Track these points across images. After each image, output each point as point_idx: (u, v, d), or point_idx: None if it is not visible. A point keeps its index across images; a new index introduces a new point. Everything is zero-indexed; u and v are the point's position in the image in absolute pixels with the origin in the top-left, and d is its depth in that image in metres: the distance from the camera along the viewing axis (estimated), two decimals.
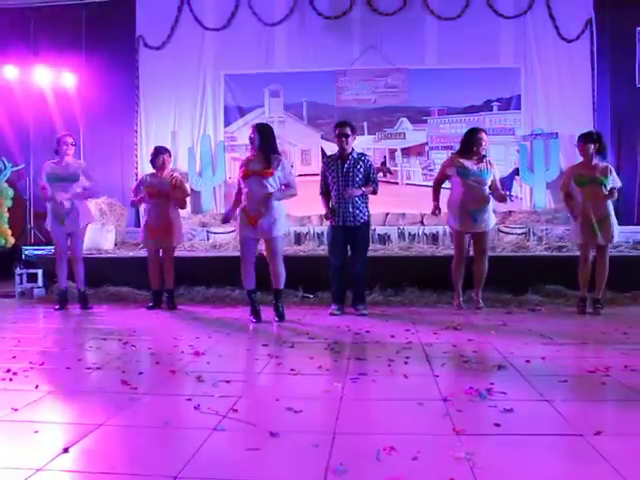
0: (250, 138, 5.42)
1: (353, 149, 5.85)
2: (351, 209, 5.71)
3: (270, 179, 5.31)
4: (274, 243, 5.42)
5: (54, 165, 6.21)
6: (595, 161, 5.71)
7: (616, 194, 5.68)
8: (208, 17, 9.80)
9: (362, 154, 6.01)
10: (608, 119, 9.25)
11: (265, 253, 5.53)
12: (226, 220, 5.70)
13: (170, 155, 6.39)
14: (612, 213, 5.71)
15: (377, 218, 8.85)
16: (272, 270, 5.48)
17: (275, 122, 9.82)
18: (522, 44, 9.49)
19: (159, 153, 6.25)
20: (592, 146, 5.67)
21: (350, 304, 5.93)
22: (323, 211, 5.97)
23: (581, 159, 5.83)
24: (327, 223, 6.04)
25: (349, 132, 5.75)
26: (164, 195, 6.12)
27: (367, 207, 5.85)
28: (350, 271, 5.81)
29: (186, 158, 9.79)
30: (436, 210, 6.01)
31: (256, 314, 5.50)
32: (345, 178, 5.70)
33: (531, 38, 9.46)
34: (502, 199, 6.07)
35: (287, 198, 5.57)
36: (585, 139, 5.73)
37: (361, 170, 5.74)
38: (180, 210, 6.42)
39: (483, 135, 5.89)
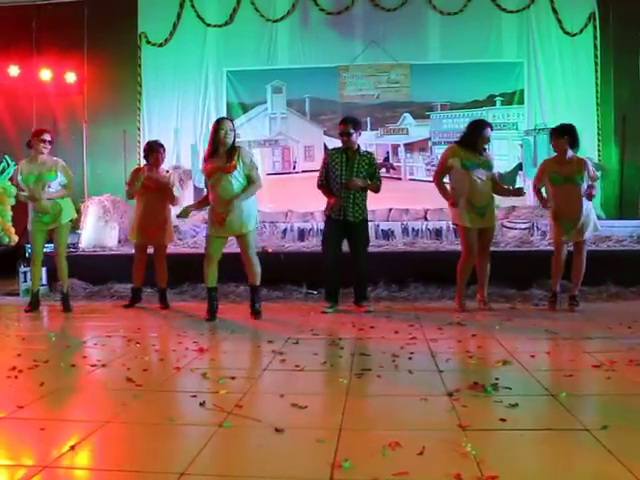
0: (222, 132, 5.20)
1: (359, 146, 5.81)
2: (351, 204, 5.66)
3: (235, 173, 5.24)
4: (246, 239, 5.37)
5: (28, 164, 5.99)
6: (569, 155, 5.54)
7: (595, 190, 5.53)
8: (210, 13, 9.78)
9: (368, 152, 5.96)
10: (612, 113, 9.22)
11: (239, 249, 5.47)
12: (183, 214, 5.63)
13: (164, 150, 6.25)
14: (585, 209, 5.53)
15: (380, 214, 8.85)
16: (247, 266, 5.44)
17: (278, 118, 9.83)
18: (525, 38, 9.45)
19: (153, 149, 6.11)
20: (564, 140, 5.49)
21: (353, 302, 5.87)
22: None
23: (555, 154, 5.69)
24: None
25: (351, 130, 5.66)
26: (161, 190, 6.02)
27: (366, 204, 5.78)
28: (353, 270, 5.75)
29: (189, 155, 9.78)
30: (454, 204, 5.62)
31: (213, 312, 5.41)
32: (349, 174, 5.64)
33: (534, 32, 9.42)
34: (507, 192, 5.90)
35: (252, 195, 5.38)
36: (557, 133, 5.57)
37: (366, 167, 5.70)
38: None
39: (490, 132, 5.64)
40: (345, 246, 5.84)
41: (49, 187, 5.95)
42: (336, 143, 9.31)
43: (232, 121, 5.47)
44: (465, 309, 5.69)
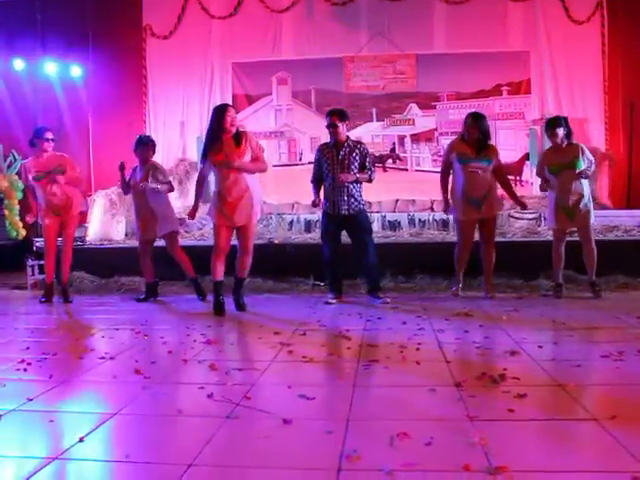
0: (227, 120, 5.06)
1: (348, 137, 5.78)
2: (345, 197, 5.62)
3: (245, 159, 5.12)
4: (249, 230, 5.29)
5: (35, 162, 6.11)
6: (564, 145, 5.68)
7: (590, 170, 5.67)
8: (215, 5, 9.75)
9: (358, 142, 5.93)
10: (619, 102, 9.15)
11: (237, 240, 5.36)
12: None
13: (154, 145, 6.16)
14: (588, 195, 5.69)
15: (387, 205, 8.85)
16: (241, 258, 5.33)
17: (283, 110, 9.81)
18: (531, 27, 9.37)
19: (146, 143, 6.09)
20: (561, 131, 5.64)
21: (367, 293, 5.88)
22: None
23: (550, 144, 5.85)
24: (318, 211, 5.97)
25: (337, 122, 5.63)
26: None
27: (361, 195, 5.75)
28: (360, 261, 5.73)
29: (195, 147, 9.76)
30: (447, 208, 5.96)
31: (221, 307, 5.25)
32: (341, 166, 5.62)
33: (540, 21, 9.34)
34: (512, 195, 5.97)
35: (258, 171, 5.28)
36: (554, 124, 5.70)
37: (357, 158, 5.66)
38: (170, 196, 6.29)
39: (469, 120, 5.75)
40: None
41: (59, 180, 6.04)
42: None
43: (233, 107, 5.38)
44: (458, 295, 5.88)
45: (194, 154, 9.72)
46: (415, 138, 9.72)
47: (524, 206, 6.07)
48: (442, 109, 9.63)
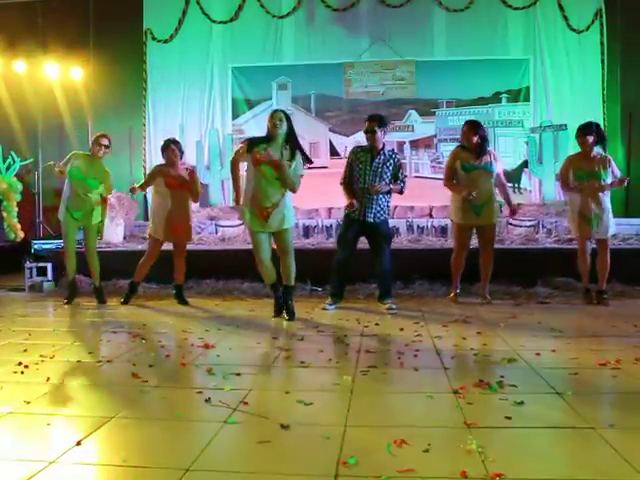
0: (274, 124, 5.00)
1: (384, 145, 5.70)
2: (374, 205, 5.58)
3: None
4: (286, 235, 5.21)
5: (82, 159, 6.11)
6: (594, 153, 5.70)
7: (625, 182, 5.73)
8: (216, 10, 9.77)
9: (393, 151, 5.87)
10: (618, 110, 9.18)
11: (276, 247, 5.32)
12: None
13: (177, 146, 6.13)
14: (609, 207, 5.73)
15: None
16: (284, 265, 5.27)
17: None
18: (531, 35, 9.41)
19: (165, 147, 6.11)
20: (591, 138, 5.64)
21: (377, 299, 5.83)
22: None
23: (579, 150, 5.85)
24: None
25: (376, 128, 5.54)
26: (185, 187, 5.99)
27: (389, 205, 5.74)
28: (377, 267, 5.71)
29: (194, 151, 9.77)
30: (470, 195, 5.67)
31: (279, 307, 5.30)
32: (374, 173, 5.54)
33: (540, 29, 9.38)
34: (507, 200, 6.00)
35: (290, 184, 5.10)
36: (584, 131, 5.69)
37: (390, 168, 5.60)
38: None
39: (466, 127, 5.80)
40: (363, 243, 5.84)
41: (89, 194, 6.11)
42: (340, 140, 9.32)
43: (284, 112, 5.21)
44: (457, 301, 5.91)
45: (193, 158, 9.72)
46: (414, 144, 9.74)
47: (514, 212, 6.10)
48: (441, 116, 9.65)
